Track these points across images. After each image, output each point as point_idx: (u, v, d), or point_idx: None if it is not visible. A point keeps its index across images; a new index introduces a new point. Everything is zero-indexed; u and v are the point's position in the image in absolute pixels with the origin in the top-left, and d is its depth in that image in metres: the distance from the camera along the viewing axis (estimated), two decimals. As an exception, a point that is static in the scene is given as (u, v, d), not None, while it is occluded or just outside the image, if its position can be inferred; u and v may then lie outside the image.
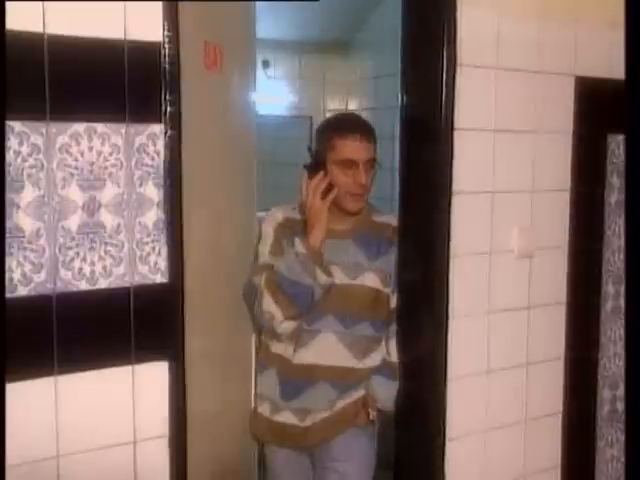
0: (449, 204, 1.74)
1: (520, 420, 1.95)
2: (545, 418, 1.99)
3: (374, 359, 1.94)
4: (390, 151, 2.72)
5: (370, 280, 1.91)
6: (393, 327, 1.93)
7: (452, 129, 1.72)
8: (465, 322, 1.80)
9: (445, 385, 1.78)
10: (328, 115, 4.15)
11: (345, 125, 1.89)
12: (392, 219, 1.96)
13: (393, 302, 1.94)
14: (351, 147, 1.84)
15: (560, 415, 2.01)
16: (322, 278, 1.82)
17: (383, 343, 1.95)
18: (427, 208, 1.78)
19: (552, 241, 1.95)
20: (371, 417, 1.93)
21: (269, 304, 1.82)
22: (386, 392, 1.92)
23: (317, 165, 1.88)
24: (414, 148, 1.84)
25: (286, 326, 1.85)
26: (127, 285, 1.42)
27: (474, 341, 1.83)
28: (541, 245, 1.92)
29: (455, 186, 1.74)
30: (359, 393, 1.93)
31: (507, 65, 1.81)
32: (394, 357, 1.93)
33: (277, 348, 1.94)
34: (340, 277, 1.89)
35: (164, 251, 1.46)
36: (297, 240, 1.83)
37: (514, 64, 1.82)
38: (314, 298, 1.83)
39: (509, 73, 1.81)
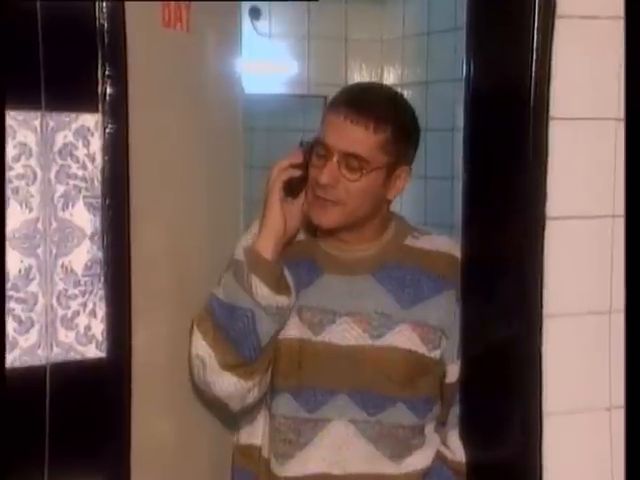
0: (542, 234, 1.71)
1: None
2: None
3: (418, 460, 1.94)
4: (448, 149, 2.68)
5: (403, 339, 1.90)
6: (455, 409, 1.95)
7: (547, 117, 1.69)
8: (570, 421, 1.78)
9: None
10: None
11: (342, 95, 1.90)
12: (442, 244, 1.98)
13: (453, 375, 1.95)
14: (330, 126, 1.84)
15: None
16: (264, 294, 1.80)
17: (432, 434, 1.97)
18: (507, 240, 1.78)
19: None
20: None
21: (198, 345, 1.86)
22: None
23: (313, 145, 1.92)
24: (486, 146, 1.83)
25: (226, 382, 1.84)
26: (41, 363, 1.42)
27: (585, 452, 1.80)
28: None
29: (551, 207, 1.71)
30: None
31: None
32: (458, 455, 1.93)
33: (265, 450, 1.94)
34: (356, 336, 1.89)
35: (101, 309, 1.47)
36: (239, 245, 1.91)
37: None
38: (257, 327, 1.82)
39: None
